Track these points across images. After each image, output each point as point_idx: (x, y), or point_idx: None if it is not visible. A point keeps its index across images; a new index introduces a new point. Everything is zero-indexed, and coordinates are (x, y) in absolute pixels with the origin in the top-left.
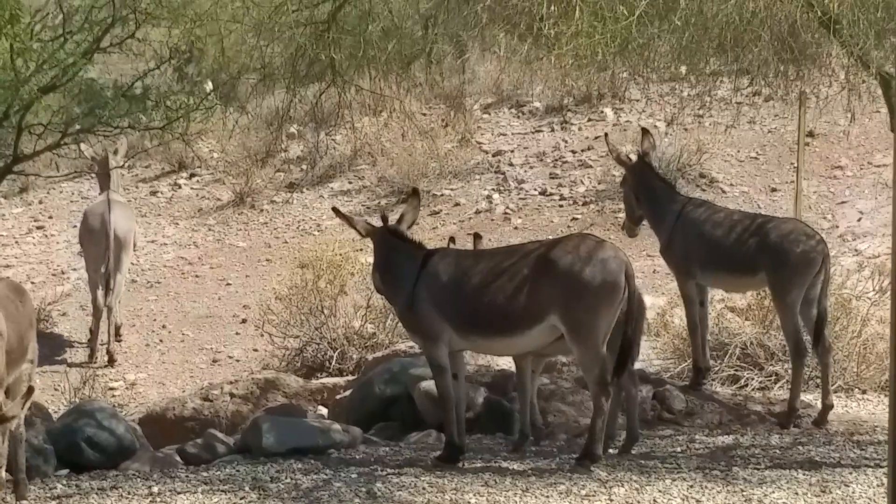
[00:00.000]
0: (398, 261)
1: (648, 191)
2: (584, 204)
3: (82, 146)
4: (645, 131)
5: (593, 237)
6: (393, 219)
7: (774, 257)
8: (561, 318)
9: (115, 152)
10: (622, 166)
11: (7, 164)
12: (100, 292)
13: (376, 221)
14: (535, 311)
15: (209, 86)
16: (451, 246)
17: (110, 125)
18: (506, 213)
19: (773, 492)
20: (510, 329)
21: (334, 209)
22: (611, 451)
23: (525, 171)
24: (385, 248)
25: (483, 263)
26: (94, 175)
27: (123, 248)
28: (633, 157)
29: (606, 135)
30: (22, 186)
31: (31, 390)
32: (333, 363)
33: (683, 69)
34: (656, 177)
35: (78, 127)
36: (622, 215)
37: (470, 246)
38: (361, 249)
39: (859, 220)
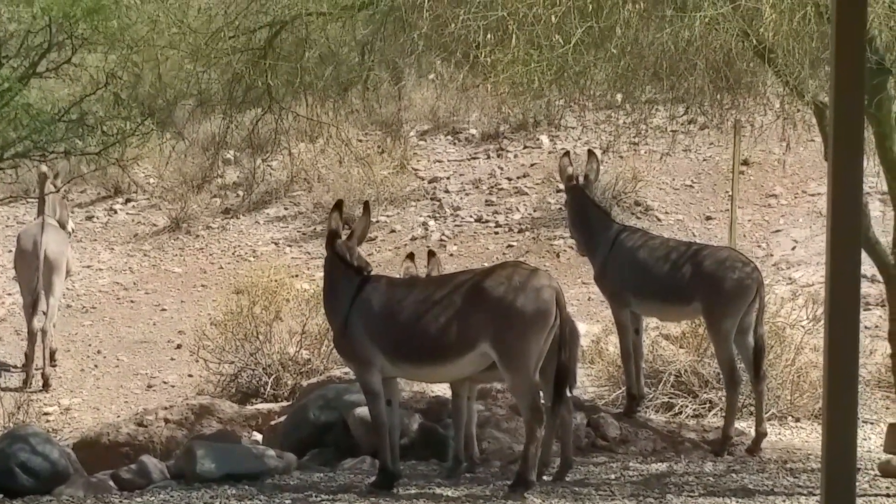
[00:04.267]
0: (337, 284)
1: (583, 216)
2: (520, 231)
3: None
4: (591, 154)
5: (525, 266)
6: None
7: (708, 285)
8: (492, 346)
9: (56, 176)
10: (562, 182)
11: None
12: (35, 317)
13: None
14: (467, 338)
15: None
16: (409, 263)
17: (46, 150)
18: (441, 240)
19: None
20: (441, 357)
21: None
22: (545, 477)
23: (461, 198)
24: (329, 269)
25: (416, 291)
26: (28, 200)
27: (55, 270)
28: (581, 179)
29: (567, 153)
30: None
31: None
32: (268, 389)
33: (619, 97)
34: (591, 203)
35: (14, 151)
36: (557, 242)
37: (425, 264)
38: (297, 276)
39: (793, 248)
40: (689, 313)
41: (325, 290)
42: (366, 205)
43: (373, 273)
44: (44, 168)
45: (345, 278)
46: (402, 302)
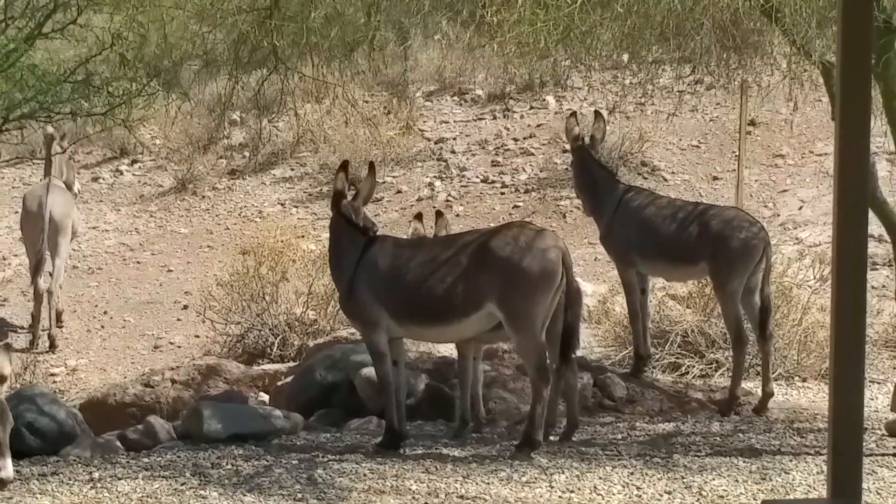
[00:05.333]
0: (342, 245)
1: (588, 178)
2: (526, 192)
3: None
4: (598, 115)
5: (532, 226)
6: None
7: (715, 246)
8: (498, 306)
9: (63, 137)
10: (569, 142)
11: None
12: (40, 278)
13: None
14: (473, 299)
15: None
16: (417, 224)
17: (52, 111)
18: (448, 201)
19: (714, 479)
20: (447, 317)
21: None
22: (552, 438)
23: (467, 159)
24: (334, 230)
25: (422, 252)
26: (35, 161)
27: (61, 231)
28: (588, 140)
29: (574, 113)
30: None
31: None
32: (275, 350)
33: (625, 57)
34: (596, 164)
35: (20, 112)
36: (563, 203)
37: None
38: (303, 236)
39: (800, 208)
40: (696, 273)
41: (331, 250)
42: (371, 165)
43: (378, 233)
44: (50, 129)
45: (350, 239)
46: (407, 262)
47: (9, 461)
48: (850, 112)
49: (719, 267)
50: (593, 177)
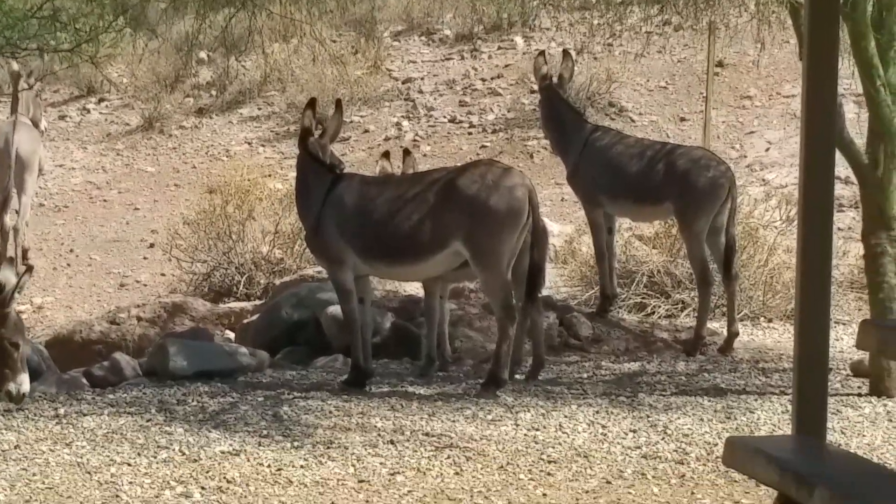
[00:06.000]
0: (309, 183)
1: (556, 117)
2: (494, 132)
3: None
4: (566, 54)
5: (499, 164)
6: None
7: (681, 185)
8: (465, 244)
9: (29, 75)
10: (537, 81)
11: None
12: (6, 215)
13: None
14: (439, 237)
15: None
16: (385, 162)
17: (18, 46)
18: (415, 141)
19: (679, 418)
20: (414, 255)
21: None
22: (517, 376)
23: (434, 99)
24: (301, 168)
25: (389, 190)
26: (1, 98)
27: (27, 169)
28: (556, 80)
29: (542, 52)
30: None
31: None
32: (241, 288)
33: None
34: (564, 103)
35: None
36: (531, 143)
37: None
38: (270, 175)
39: (767, 150)
40: (662, 213)
41: (298, 188)
42: (338, 102)
43: (345, 171)
44: (16, 66)
45: (317, 176)
46: (374, 200)
47: (26, 376)
48: (817, 53)
49: (685, 206)
50: (561, 116)
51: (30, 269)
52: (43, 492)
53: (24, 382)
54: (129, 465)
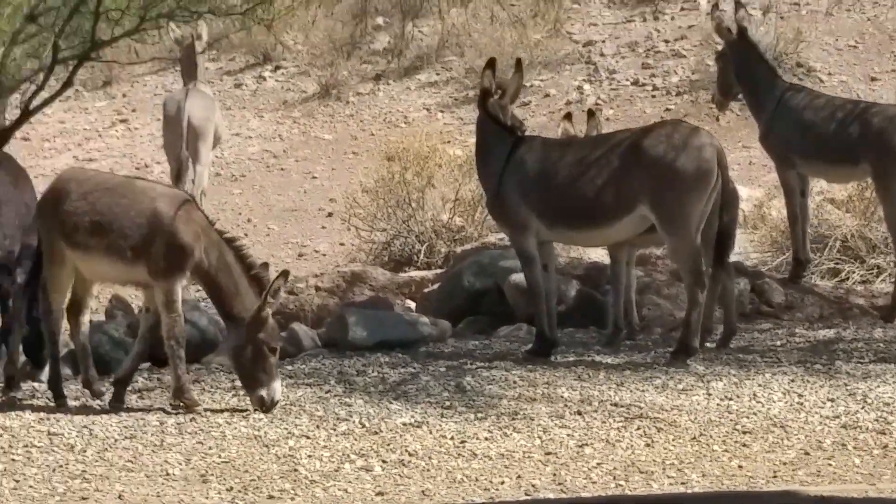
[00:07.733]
0: (489, 145)
1: (749, 72)
2: (678, 94)
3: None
4: (738, 4)
5: (686, 124)
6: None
7: (878, 145)
8: (651, 208)
9: (200, 38)
10: (721, 38)
11: (84, 51)
12: (182, 186)
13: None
14: (625, 200)
15: None
16: (567, 124)
17: (190, 10)
18: (597, 104)
19: (879, 386)
20: (598, 219)
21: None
22: (708, 344)
23: (616, 62)
24: (481, 130)
25: (572, 152)
26: (177, 67)
27: (201, 137)
28: (733, 31)
29: (716, 5)
30: (105, 79)
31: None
32: (421, 257)
33: None
34: (759, 57)
35: (157, 12)
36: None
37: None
38: (449, 142)
39: None
40: (858, 174)
41: (478, 151)
42: (518, 62)
43: (527, 133)
44: (188, 32)
45: (498, 139)
46: (557, 163)
47: (279, 384)
48: None
49: (882, 167)
50: (755, 71)
51: (285, 273)
52: (219, 465)
53: (276, 391)
54: (308, 437)
